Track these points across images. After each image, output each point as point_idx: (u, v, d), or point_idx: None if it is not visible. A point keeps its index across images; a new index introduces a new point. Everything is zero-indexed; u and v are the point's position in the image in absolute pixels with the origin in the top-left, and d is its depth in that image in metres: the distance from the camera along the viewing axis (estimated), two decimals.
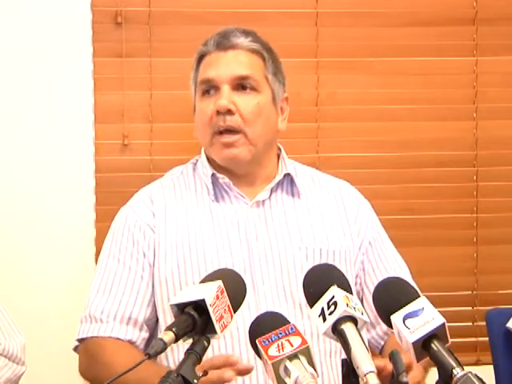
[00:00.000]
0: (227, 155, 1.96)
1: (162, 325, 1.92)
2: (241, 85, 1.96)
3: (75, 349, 2.03)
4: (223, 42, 1.98)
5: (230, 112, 1.93)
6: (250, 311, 1.84)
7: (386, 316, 1.36)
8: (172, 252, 1.94)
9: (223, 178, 1.99)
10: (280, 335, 1.31)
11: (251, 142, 1.95)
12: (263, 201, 2.00)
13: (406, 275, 2.00)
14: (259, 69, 1.99)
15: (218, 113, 1.94)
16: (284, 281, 1.92)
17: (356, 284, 2.03)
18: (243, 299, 1.47)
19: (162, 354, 1.88)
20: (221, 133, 1.95)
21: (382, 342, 2.02)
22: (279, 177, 2.01)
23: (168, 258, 1.94)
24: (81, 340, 1.97)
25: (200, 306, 1.34)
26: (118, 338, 1.90)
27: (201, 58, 2.02)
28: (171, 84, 2.85)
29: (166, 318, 1.91)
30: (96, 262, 2.78)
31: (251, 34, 2.02)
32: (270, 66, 2.01)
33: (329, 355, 1.91)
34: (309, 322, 1.88)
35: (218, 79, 1.96)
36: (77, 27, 2.80)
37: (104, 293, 1.94)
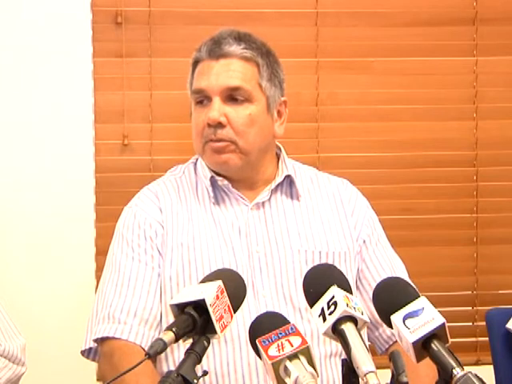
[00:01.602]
0: (217, 161, 1.95)
1: (164, 324, 1.91)
2: (232, 96, 1.93)
3: (84, 352, 1.96)
4: (215, 50, 1.94)
5: (220, 125, 1.91)
6: (250, 314, 1.84)
7: (386, 316, 1.36)
8: (178, 251, 1.93)
9: (222, 181, 1.98)
10: (280, 335, 1.31)
11: (242, 151, 1.93)
12: (263, 202, 1.99)
13: (402, 276, 1.98)
14: (252, 77, 1.95)
15: (209, 125, 1.93)
16: (283, 284, 1.92)
17: None
18: (243, 299, 1.47)
19: (162, 355, 1.89)
20: (211, 140, 1.94)
21: (387, 345, 2.02)
22: (279, 179, 2.00)
23: (174, 257, 1.93)
24: (98, 340, 1.91)
25: (200, 306, 1.34)
26: (135, 344, 1.87)
27: (195, 63, 2.00)
28: (171, 84, 2.85)
29: (168, 317, 1.90)
30: (96, 262, 2.80)
31: (244, 40, 1.96)
32: (265, 71, 1.97)
33: (329, 357, 1.90)
34: (309, 326, 1.88)
35: (209, 90, 1.93)
36: (77, 27, 2.80)
37: (121, 292, 1.91)
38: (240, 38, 1.97)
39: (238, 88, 1.93)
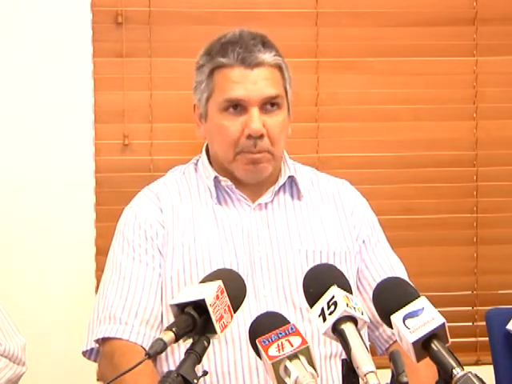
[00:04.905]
0: (252, 170, 1.93)
1: (166, 324, 1.91)
2: (268, 104, 1.92)
3: (86, 353, 1.96)
4: (248, 58, 1.91)
5: (261, 136, 1.92)
6: (250, 314, 1.83)
7: (386, 316, 1.36)
8: (179, 252, 1.93)
9: (226, 181, 1.97)
10: (280, 335, 1.31)
11: (275, 158, 1.95)
12: (266, 203, 1.99)
13: (401, 276, 1.97)
14: (281, 83, 1.96)
15: (250, 136, 1.91)
16: (284, 284, 1.91)
17: None
18: (243, 299, 1.47)
19: (162, 355, 1.89)
20: (250, 152, 1.93)
21: (387, 345, 2.02)
22: (283, 180, 2.00)
23: (175, 257, 1.93)
24: (100, 340, 1.90)
25: (200, 306, 1.34)
26: (136, 344, 1.87)
27: (218, 67, 1.93)
28: (171, 84, 2.85)
29: (169, 317, 1.90)
30: (96, 262, 2.80)
31: (270, 46, 1.95)
32: (287, 75, 1.98)
33: (329, 358, 1.90)
34: (309, 326, 1.87)
35: (248, 100, 1.90)
36: (77, 27, 2.80)
37: (122, 292, 1.91)
38: (265, 43, 1.95)
39: (276, 96, 1.92)
